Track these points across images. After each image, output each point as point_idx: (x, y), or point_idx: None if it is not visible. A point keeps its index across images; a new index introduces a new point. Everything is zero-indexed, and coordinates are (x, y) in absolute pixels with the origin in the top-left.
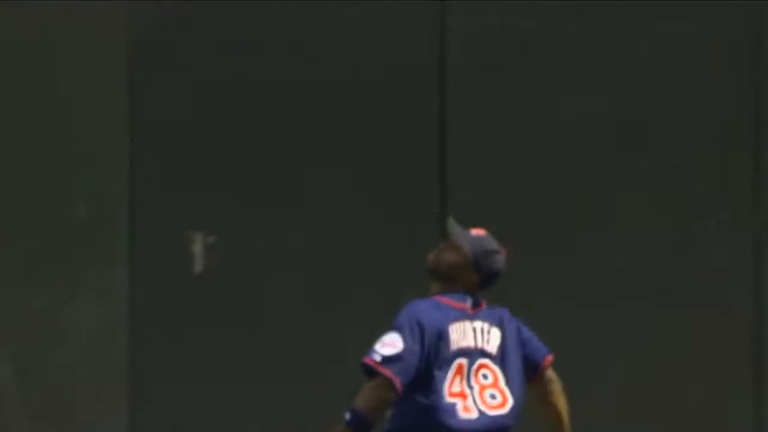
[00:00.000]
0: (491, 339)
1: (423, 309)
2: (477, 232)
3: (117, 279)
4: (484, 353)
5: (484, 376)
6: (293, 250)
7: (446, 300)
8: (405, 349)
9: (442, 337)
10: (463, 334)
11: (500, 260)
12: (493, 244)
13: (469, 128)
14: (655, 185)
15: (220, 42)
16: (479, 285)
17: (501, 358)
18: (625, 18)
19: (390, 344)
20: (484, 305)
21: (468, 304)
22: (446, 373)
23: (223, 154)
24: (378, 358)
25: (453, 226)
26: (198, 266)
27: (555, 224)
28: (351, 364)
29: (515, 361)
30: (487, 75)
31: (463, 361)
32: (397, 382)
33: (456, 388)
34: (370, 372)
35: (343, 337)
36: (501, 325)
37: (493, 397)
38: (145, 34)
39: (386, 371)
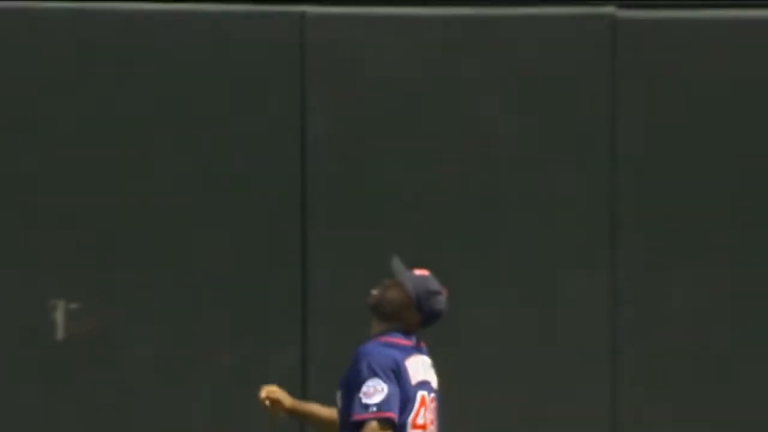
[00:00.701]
0: (434, 375)
1: (379, 351)
2: (420, 272)
3: None
4: (432, 387)
5: (435, 410)
6: (156, 311)
7: (393, 339)
8: (390, 389)
9: (402, 373)
10: (416, 368)
11: (442, 301)
12: (435, 285)
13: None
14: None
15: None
16: (420, 324)
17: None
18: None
19: (374, 392)
20: (423, 344)
21: (413, 341)
22: (412, 406)
23: (79, 219)
24: (374, 409)
25: (397, 264)
26: (60, 333)
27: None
28: (221, 423)
29: None
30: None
31: (424, 393)
32: (397, 419)
33: (420, 420)
34: (361, 425)
35: (211, 396)
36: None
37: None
38: None
39: (389, 414)
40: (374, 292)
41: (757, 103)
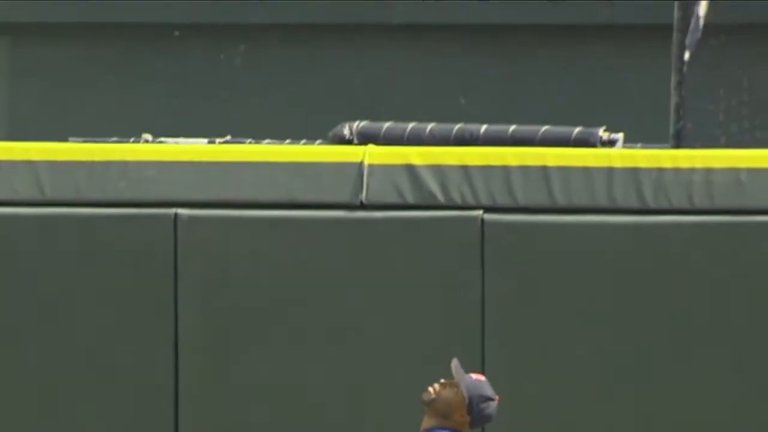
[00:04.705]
0: None
1: None
2: (477, 377)
3: None
4: None
5: None
6: None
7: None
8: None
9: None
10: None
11: (493, 407)
12: (489, 391)
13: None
14: None
15: None
16: (469, 425)
17: None
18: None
19: None
20: None
21: None
22: None
23: None
24: None
25: (456, 367)
26: None
27: None
28: None
29: None
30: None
31: None
32: None
33: None
34: None
35: None
36: None
37: None
38: None
39: None
40: (431, 388)
41: (613, 300)
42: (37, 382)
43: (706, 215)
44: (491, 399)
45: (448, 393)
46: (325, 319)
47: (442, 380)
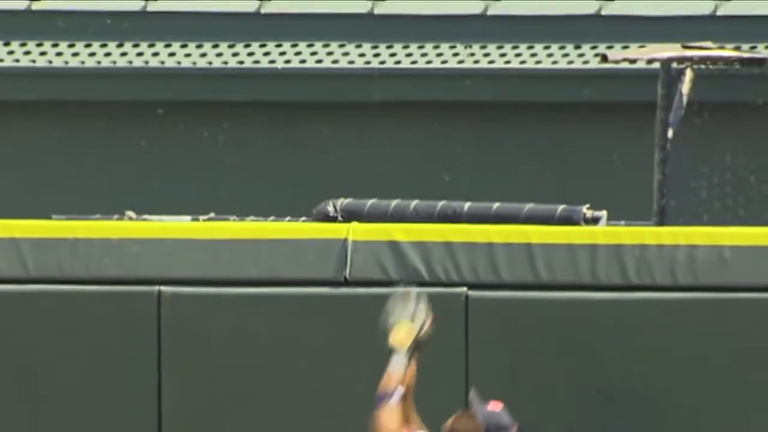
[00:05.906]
0: None
1: None
2: (495, 405)
3: None
4: None
5: None
6: None
7: None
8: None
9: None
10: None
11: None
12: (506, 419)
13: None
14: None
15: None
16: None
17: None
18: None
19: None
20: None
21: None
22: None
23: None
24: None
25: (473, 396)
26: None
27: None
28: None
29: None
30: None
31: None
32: None
33: None
34: None
35: None
36: None
37: None
38: None
39: None
40: (450, 420)
41: (596, 376)
42: None
43: (689, 292)
44: (508, 427)
45: (465, 423)
46: (309, 396)
47: (459, 411)
